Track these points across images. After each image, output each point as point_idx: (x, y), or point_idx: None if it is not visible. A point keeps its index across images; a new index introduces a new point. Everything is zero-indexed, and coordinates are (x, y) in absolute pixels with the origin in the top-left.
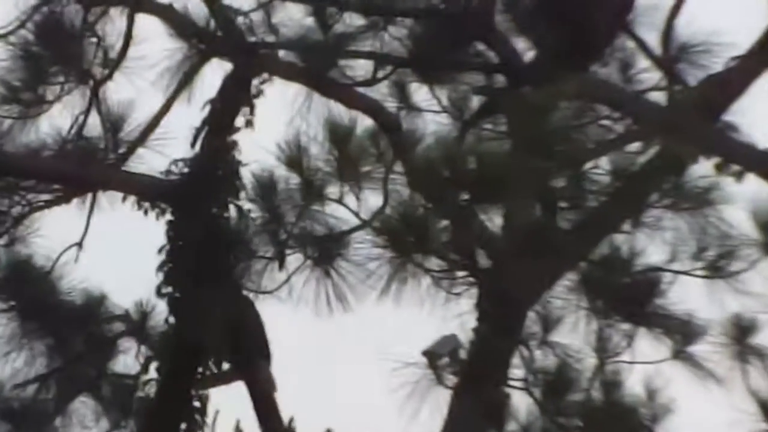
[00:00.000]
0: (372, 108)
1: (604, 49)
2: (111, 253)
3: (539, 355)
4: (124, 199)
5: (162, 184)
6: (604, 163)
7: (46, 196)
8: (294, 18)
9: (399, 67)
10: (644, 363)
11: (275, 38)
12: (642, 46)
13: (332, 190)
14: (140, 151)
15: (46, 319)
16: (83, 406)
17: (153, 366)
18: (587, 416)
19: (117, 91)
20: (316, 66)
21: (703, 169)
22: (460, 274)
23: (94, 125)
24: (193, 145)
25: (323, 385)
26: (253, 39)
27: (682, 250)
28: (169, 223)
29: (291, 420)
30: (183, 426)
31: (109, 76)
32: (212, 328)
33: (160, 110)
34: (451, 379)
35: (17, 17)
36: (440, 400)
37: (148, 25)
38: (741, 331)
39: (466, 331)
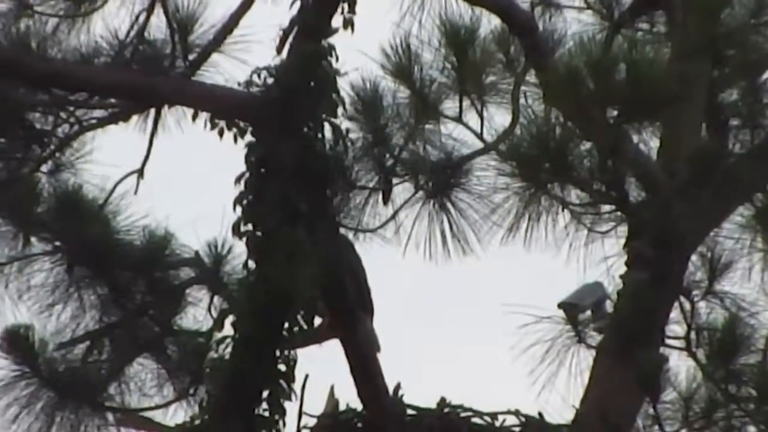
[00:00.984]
0: (500, 5)
1: None
2: (178, 183)
3: (704, 308)
4: (194, 116)
5: (242, 98)
6: None
7: (99, 113)
8: None
9: None
10: None
11: None
12: None
13: (449, 106)
14: (214, 57)
15: (99, 264)
16: (144, 369)
17: (229, 321)
18: (763, 384)
19: None
20: None
21: None
22: (607, 208)
23: (158, 26)
24: (279, 50)
25: (437, 345)
26: None
27: None
28: (250, 146)
29: (397, 387)
30: (265, 393)
31: None
32: (302, 274)
33: (239, 8)
34: (595, 337)
35: None
36: (581, 362)
37: None
38: None
39: (614, 279)
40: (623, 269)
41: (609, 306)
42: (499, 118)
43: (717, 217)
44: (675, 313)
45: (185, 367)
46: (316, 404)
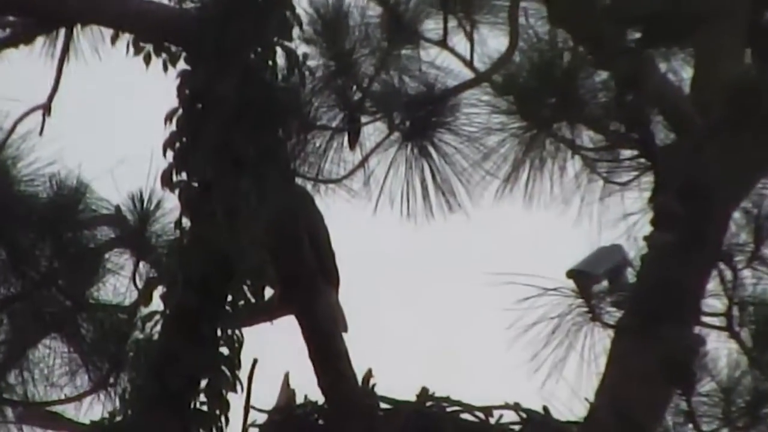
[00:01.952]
0: None
1: None
2: (94, 122)
3: (749, 278)
4: (114, 38)
5: (172, 16)
6: None
7: None
8: None
9: None
10: None
11: None
12: None
13: (431, 27)
14: None
15: None
16: (51, 353)
17: (158, 293)
18: None
19: None
20: None
21: None
22: (627, 154)
23: None
24: None
25: (417, 324)
26: None
27: None
28: (184, 75)
29: (368, 374)
30: (203, 383)
31: None
32: (248, 235)
33: None
34: (613, 314)
35: None
36: (595, 345)
37: None
38: None
39: (636, 241)
40: (647, 229)
41: (630, 275)
42: (493, 41)
43: (763, 165)
44: (713, 284)
45: (103, 351)
46: (266, 396)
